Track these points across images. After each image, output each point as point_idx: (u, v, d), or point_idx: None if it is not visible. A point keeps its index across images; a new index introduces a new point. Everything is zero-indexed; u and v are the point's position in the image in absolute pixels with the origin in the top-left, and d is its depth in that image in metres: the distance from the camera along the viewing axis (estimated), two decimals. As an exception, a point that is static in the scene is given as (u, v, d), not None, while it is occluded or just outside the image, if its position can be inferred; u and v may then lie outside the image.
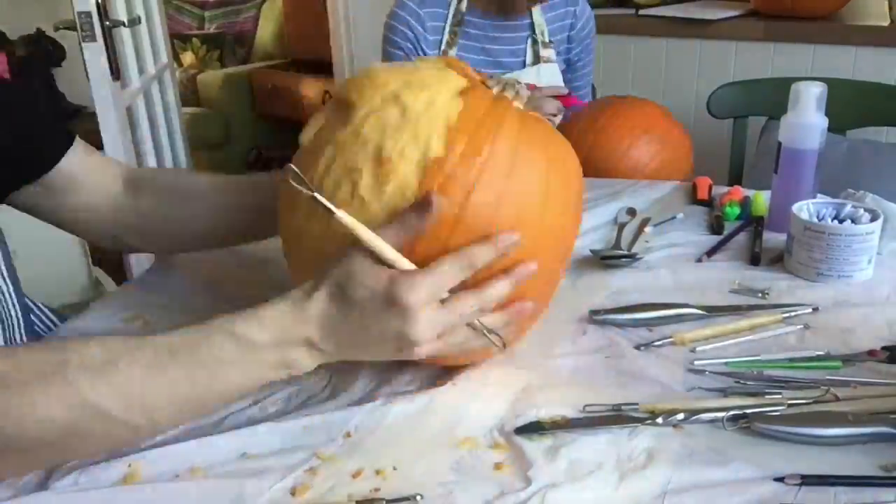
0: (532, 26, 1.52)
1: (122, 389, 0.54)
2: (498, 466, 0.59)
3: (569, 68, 1.61)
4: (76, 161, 0.81)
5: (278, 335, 0.57)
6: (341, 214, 0.58)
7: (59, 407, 0.53)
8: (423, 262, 0.60)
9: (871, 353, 0.73)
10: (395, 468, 0.59)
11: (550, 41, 1.53)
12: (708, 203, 1.13)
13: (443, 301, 0.59)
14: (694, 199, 1.15)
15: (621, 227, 1.05)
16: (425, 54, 1.47)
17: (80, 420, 0.54)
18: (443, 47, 1.47)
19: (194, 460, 0.60)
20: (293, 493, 0.57)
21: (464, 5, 1.48)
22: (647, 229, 1.04)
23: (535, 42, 1.53)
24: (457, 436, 0.63)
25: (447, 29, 1.47)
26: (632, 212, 1.11)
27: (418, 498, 0.55)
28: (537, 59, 1.54)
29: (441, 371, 0.71)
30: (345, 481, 0.58)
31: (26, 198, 0.81)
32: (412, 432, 0.63)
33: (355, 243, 0.58)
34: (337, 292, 0.58)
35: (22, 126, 0.79)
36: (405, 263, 0.59)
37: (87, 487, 0.57)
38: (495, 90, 0.67)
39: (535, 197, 0.63)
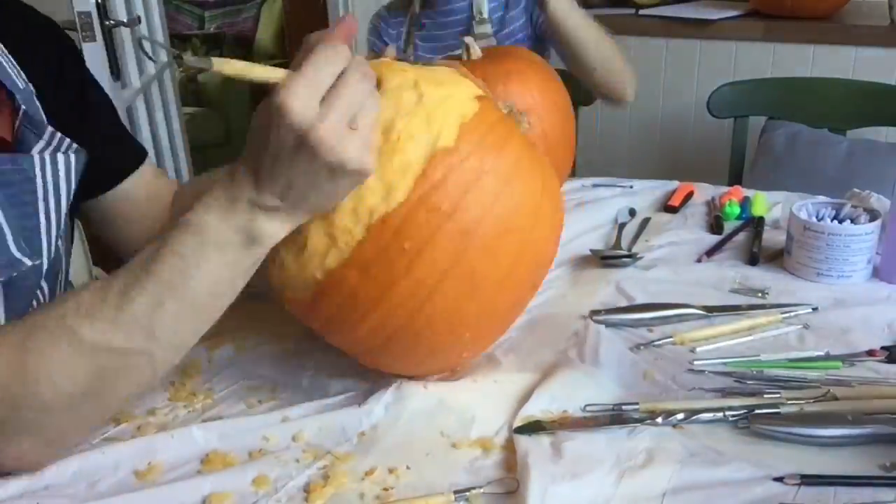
0: (470, 6, 1.47)
1: (117, 321, 0.54)
2: (509, 467, 0.59)
3: (542, 43, 1.55)
4: (142, 182, 0.81)
5: (223, 208, 0.56)
6: (219, 62, 0.53)
7: (73, 356, 0.54)
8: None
9: (870, 353, 0.73)
10: (408, 467, 0.60)
11: (490, 18, 1.47)
12: (674, 210, 1.11)
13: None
14: (664, 203, 1.13)
15: (621, 226, 1.05)
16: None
17: (96, 363, 0.55)
18: (402, 46, 1.52)
19: (211, 450, 0.62)
20: (307, 490, 0.57)
21: (417, 6, 1.52)
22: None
23: (479, 22, 1.47)
24: (470, 436, 0.63)
25: (405, 31, 1.52)
26: (632, 212, 1.11)
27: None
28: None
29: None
30: (358, 479, 0.58)
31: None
32: (426, 431, 0.64)
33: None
34: (250, 146, 0.56)
35: (107, 129, 0.79)
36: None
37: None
38: (504, 111, 0.67)
39: (528, 210, 0.63)
